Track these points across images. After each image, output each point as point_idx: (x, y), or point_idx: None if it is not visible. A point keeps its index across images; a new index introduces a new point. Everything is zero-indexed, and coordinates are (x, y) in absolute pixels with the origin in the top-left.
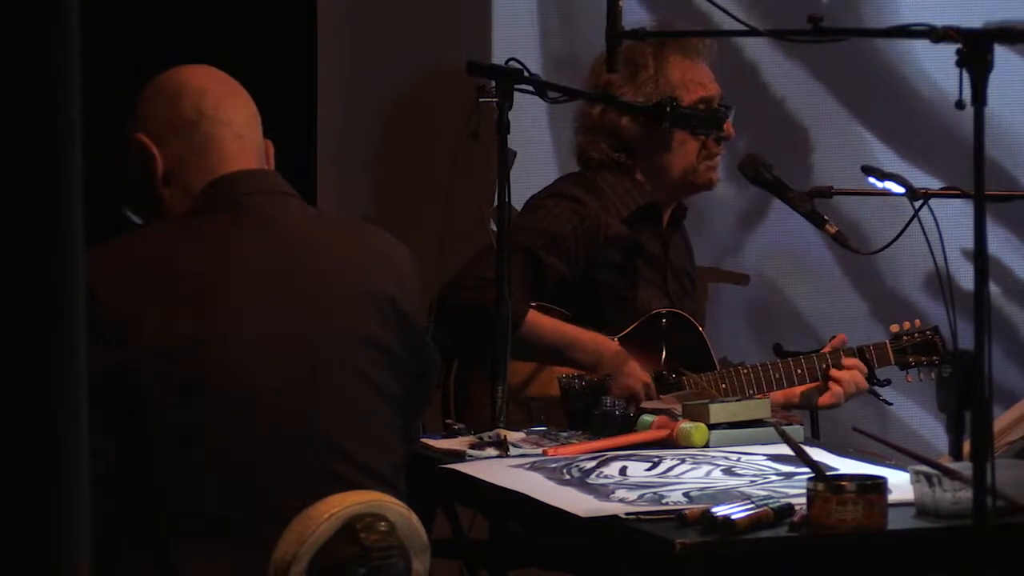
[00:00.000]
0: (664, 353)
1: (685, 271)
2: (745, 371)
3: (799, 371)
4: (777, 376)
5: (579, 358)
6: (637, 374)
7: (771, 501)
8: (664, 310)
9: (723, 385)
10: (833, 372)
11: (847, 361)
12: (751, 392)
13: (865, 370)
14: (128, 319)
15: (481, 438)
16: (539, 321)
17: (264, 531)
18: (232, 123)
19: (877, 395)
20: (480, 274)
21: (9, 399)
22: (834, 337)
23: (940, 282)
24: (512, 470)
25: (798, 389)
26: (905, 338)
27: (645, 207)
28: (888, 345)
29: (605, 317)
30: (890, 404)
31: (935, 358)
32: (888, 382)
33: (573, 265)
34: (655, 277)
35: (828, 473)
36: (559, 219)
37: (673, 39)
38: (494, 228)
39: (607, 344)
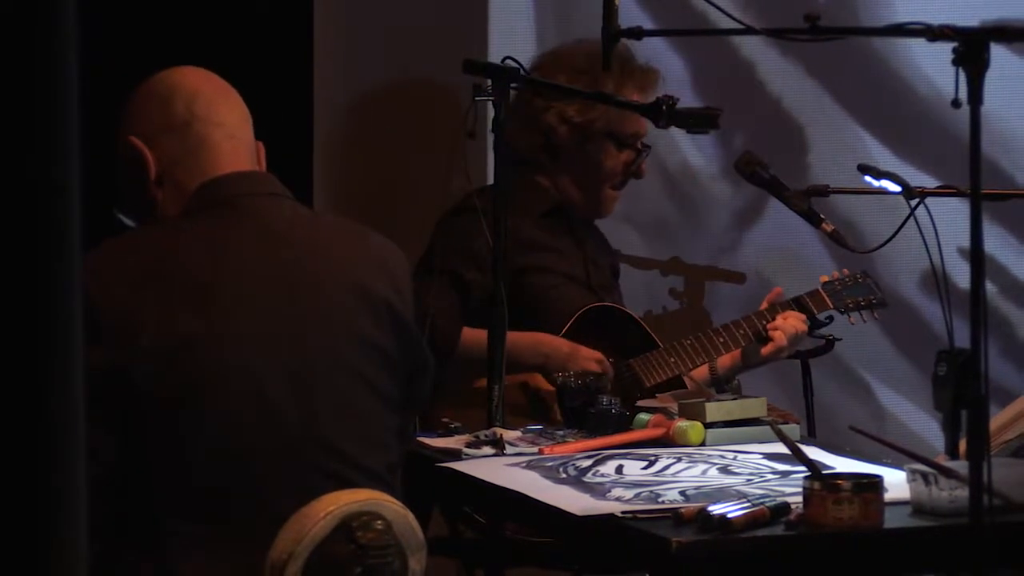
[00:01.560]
0: (605, 345)
1: (606, 264)
2: (689, 342)
3: (741, 332)
4: (722, 340)
5: (524, 361)
6: (585, 354)
7: (767, 500)
8: (593, 304)
9: (672, 359)
10: (770, 325)
11: (781, 314)
12: (700, 361)
13: (802, 316)
14: (124, 319)
15: (477, 437)
16: (474, 337)
17: (262, 530)
18: (224, 124)
19: (824, 336)
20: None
21: (7, 400)
22: (771, 293)
23: (936, 281)
24: (508, 469)
25: (739, 351)
26: (838, 283)
27: (554, 208)
28: (821, 290)
29: (536, 322)
30: (839, 340)
31: (872, 298)
32: (830, 319)
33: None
34: (577, 273)
35: (824, 472)
36: (469, 233)
37: (633, 76)
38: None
39: (548, 341)
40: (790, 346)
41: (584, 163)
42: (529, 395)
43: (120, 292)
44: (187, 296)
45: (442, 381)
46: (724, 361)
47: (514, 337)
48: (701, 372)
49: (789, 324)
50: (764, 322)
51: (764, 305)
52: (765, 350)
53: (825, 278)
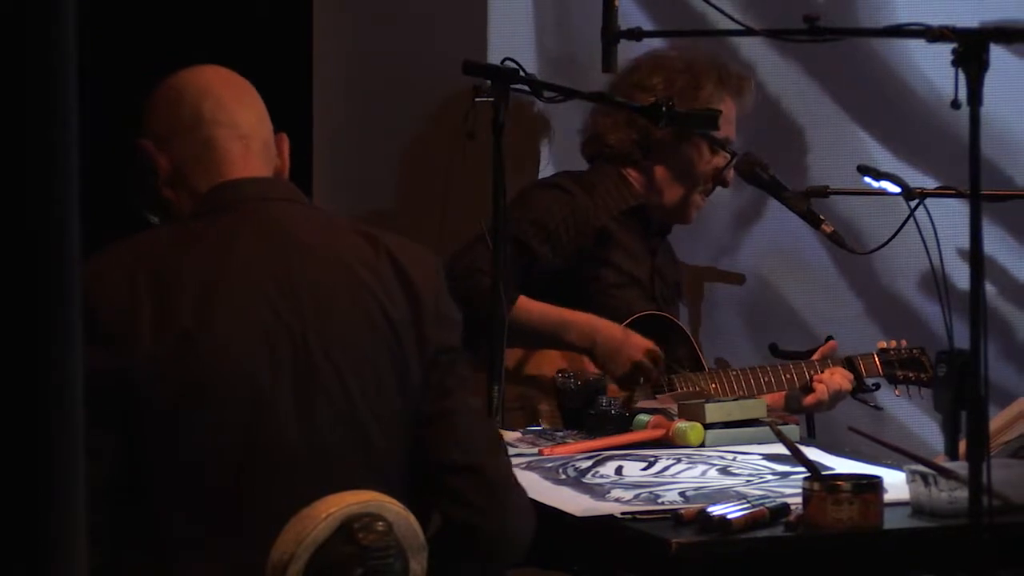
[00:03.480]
0: None
1: (672, 280)
2: (735, 373)
3: (787, 376)
4: (767, 379)
5: (573, 340)
6: (638, 343)
7: (767, 500)
8: (650, 312)
9: (713, 385)
10: (816, 376)
11: (830, 369)
12: (740, 393)
13: (850, 376)
14: (125, 322)
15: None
16: (529, 305)
17: (262, 532)
18: (235, 125)
19: (866, 402)
20: (471, 263)
21: (6, 400)
22: (826, 343)
23: (936, 281)
24: None
25: (783, 393)
26: (892, 353)
27: (636, 208)
28: (876, 356)
29: (591, 313)
30: (880, 409)
31: (923, 375)
32: (877, 386)
33: (562, 255)
34: (642, 278)
35: (824, 472)
36: (550, 208)
37: (730, 80)
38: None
39: (601, 323)
40: (830, 402)
41: (677, 163)
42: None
43: (121, 295)
44: (189, 298)
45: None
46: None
47: (568, 314)
48: None
49: (835, 381)
50: (813, 372)
51: (817, 356)
52: (807, 400)
53: (883, 344)
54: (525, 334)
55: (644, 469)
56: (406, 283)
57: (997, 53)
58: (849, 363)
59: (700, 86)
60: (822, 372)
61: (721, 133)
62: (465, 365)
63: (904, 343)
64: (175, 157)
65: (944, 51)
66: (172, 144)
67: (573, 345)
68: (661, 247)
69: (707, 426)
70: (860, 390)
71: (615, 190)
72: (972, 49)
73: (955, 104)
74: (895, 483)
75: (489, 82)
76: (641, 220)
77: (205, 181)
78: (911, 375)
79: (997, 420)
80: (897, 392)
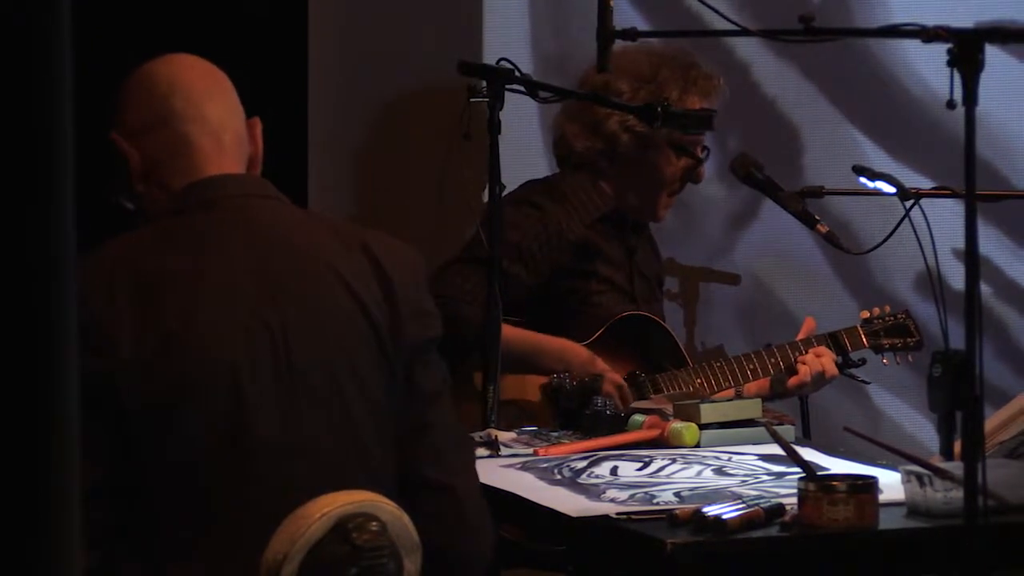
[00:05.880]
0: (635, 355)
1: (652, 275)
2: (719, 364)
3: (773, 360)
4: (752, 367)
5: (547, 365)
6: (608, 376)
7: (762, 501)
8: (630, 313)
9: (698, 380)
10: (800, 358)
11: (814, 349)
12: (727, 385)
13: (834, 356)
14: (107, 325)
15: (472, 438)
16: (504, 330)
17: (251, 531)
18: (206, 120)
19: (854, 377)
20: (440, 293)
21: (4, 403)
22: (804, 323)
23: (931, 282)
24: (503, 470)
25: (768, 379)
26: (877, 322)
27: (610, 213)
28: (859, 328)
29: (571, 324)
30: (868, 383)
31: (909, 340)
32: (863, 361)
33: (537, 274)
34: (621, 281)
35: (819, 473)
36: (522, 227)
37: (696, 83)
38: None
39: (574, 349)
40: (813, 384)
41: (644, 170)
42: (549, 395)
43: (101, 299)
44: (171, 300)
45: (469, 368)
46: (750, 388)
47: (542, 340)
48: (726, 396)
49: (817, 363)
50: (797, 353)
51: (801, 335)
52: (790, 382)
53: (866, 314)
54: (502, 360)
55: (639, 469)
56: (383, 278)
57: (992, 53)
58: (834, 339)
59: (664, 96)
60: (805, 353)
61: (689, 135)
62: (443, 365)
63: (888, 308)
64: (146, 152)
65: (940, 51)
66: (143, 139)
67: (546, 369)
68: (640, 243)
69: (702, 426)
70: (847, 366)
71: (587, 197)
72: (967, 49)
73: (950, 104)
74: (890, 483)
75: (484, 82)
76: (616, 224)
77: (178, 178)
78: (897, 342)
79: (993, 420)
80: (885, 361)
